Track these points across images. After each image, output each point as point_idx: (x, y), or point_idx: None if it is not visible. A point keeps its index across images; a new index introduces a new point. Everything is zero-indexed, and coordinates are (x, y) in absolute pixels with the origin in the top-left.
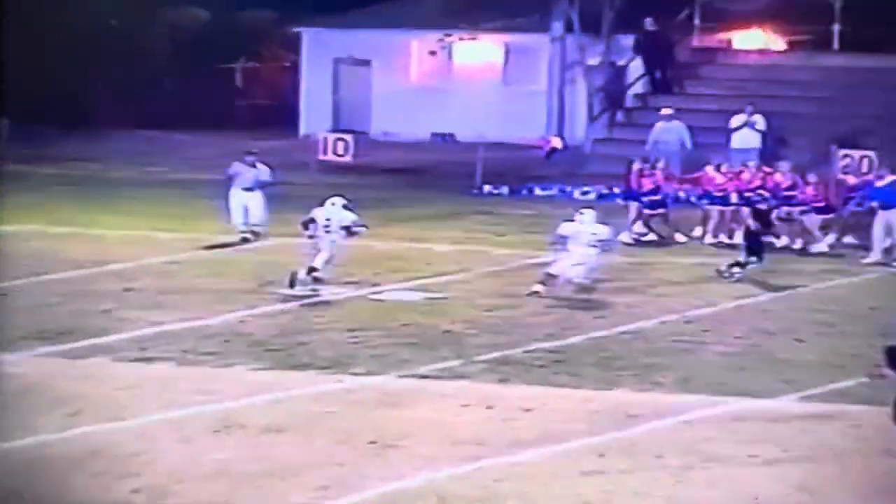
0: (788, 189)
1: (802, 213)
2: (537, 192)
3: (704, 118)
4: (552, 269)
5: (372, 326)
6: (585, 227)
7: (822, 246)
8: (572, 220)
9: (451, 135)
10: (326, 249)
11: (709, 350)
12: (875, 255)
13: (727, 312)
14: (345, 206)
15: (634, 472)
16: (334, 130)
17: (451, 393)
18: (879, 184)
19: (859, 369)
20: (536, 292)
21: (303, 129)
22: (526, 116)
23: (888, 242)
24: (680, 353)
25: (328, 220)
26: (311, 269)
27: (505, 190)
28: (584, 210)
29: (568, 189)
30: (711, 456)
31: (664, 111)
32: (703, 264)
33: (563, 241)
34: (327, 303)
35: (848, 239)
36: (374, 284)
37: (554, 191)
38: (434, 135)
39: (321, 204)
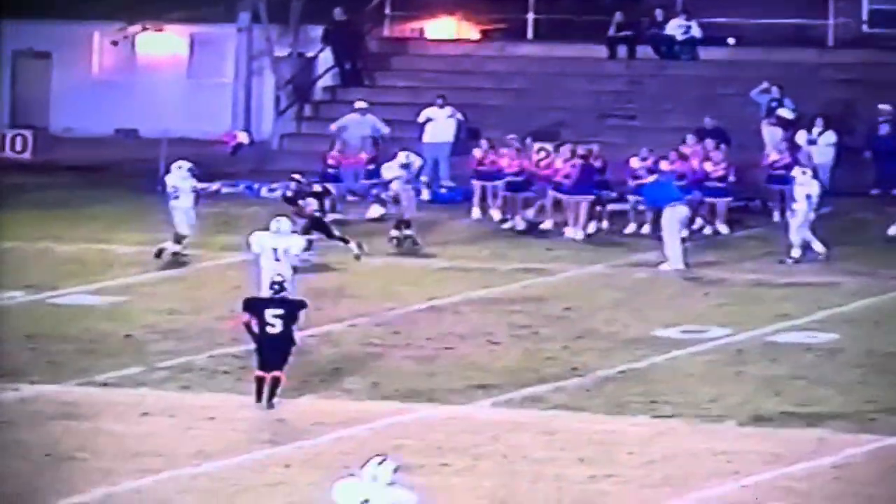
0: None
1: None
2: (223, 189)
3: (396, 111)
4: None
5: (50, 333)
6: (274, 239)
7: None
8: (265, 230)
9: (135, 131)
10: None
11: (399, 354)
12: (676, 263)
13: (419, 314)
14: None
15: (321, 483)
16: (12, 126)
17: (132, 402)
18: (648, 180)
19: (554, 374)
20: None
21: None
22: (211, 110)
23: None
24: (369, 357)
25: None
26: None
27: None
28: (279, 217)
29: (255, 186)
30: (401, 466)
31: (359, 104)
32: (395, 265)
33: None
34: (2, 308)
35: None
36: (53, 288)
37: (240, 188)
38: (117, 131)
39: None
